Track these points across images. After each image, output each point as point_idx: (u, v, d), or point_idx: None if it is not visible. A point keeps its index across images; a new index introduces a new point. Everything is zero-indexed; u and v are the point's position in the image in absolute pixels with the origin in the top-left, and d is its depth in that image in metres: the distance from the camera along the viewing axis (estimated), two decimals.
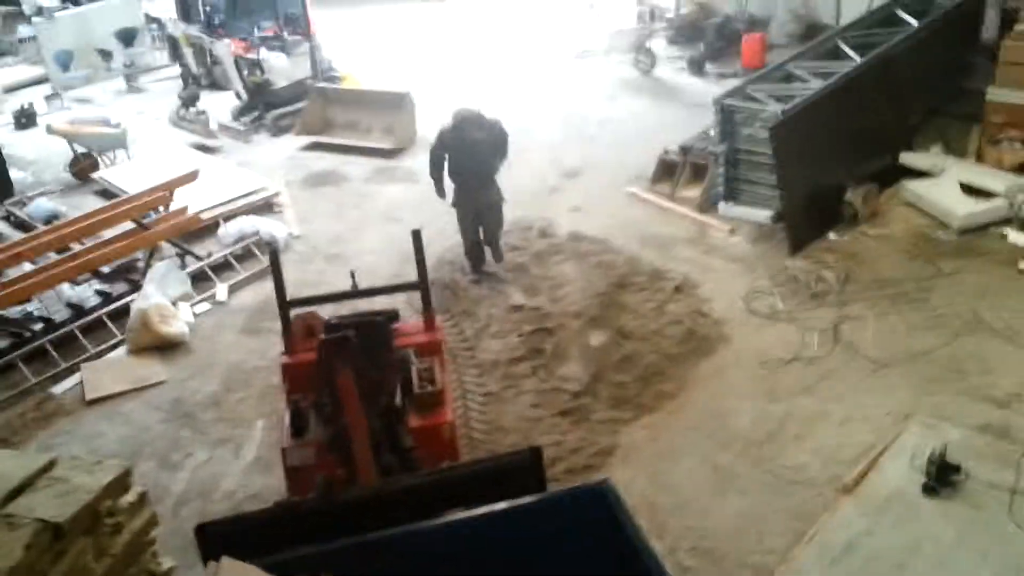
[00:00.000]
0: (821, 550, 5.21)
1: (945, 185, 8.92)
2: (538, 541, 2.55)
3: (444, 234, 8.47)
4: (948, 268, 7.97)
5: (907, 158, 9.43)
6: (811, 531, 5.37)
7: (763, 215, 9.08)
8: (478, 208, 8.41)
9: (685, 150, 9.96)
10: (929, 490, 5.48)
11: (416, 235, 5.97)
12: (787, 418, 6.42)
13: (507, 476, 2.83)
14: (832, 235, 8.70)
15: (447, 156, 8.31)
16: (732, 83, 10.52)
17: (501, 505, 2.48)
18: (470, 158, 8.15)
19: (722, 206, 9.45)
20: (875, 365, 6.84)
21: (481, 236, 8.54)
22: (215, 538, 2.61)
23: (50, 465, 4.60)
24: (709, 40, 14.32)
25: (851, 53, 9.67)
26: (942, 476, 5.49)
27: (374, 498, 2.78)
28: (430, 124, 12.17)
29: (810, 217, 8.78)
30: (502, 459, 2.94)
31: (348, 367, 4.38)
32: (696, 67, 14.00)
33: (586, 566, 2.66)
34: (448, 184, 8.48)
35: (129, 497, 4.75)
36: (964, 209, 8.55)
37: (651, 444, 6.36)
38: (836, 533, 5.32)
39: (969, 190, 8.78)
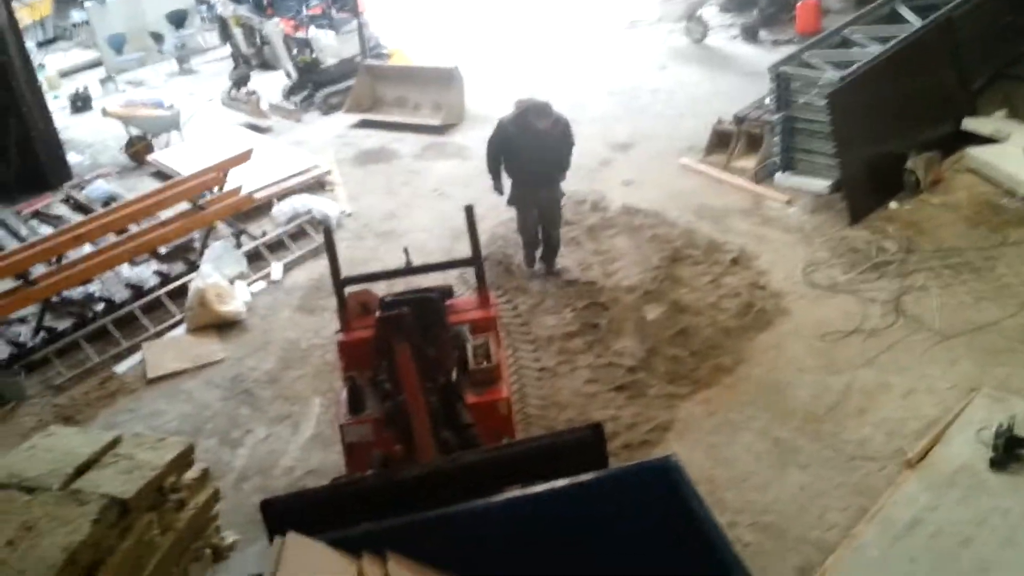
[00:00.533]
0: (884, 526, 5.12)
1: (1010, 151, 8.66)
2: (600, 518, 2.53)
3: (496, 210, 8.43)
4: (1014, 236, 7.74)
5: (970, 123, 9.17)
6: (874, 507, 5.28)
7: (821, 185, 8.90)
8: (540, 207, 7.90)
9: (739, 120, 9.79)
10: (996, 464, 5.36)
11: (469, 211, 5.94)
12: (848, 391, 6.30)
13: (568, 453, 2.80)
14: (893, 204, 8.49)
15: (508, 149, 7.70)
16: (787, 50, 10.30)
17: (563, 482, 2.46)
18: (534, 152, 7.53)
19: (778, 176, 9.27)
20: (939, 336, 6.68)
21: (541, 240, 8.09)
22: (280, 514, 2.62)
23: (115, 442, 4.72)
24: (762, 6, 13.99)
25: (910, 16, 9.41)
26: (1009, 450, 5.37)
27: (434, 475, 2.77)
28: (479, 100, 12.21)
29: (870, 186, 8.58)
30: (563, 435, 2.90)
31: (405, 343, 4.38)
32: (749, 34, 13.70)
33: (648, 543, 2.63)
34: (506, 180, 7.97)
35: (192, 473, 4.86)
36: None
37: (708, 419, 6.29)
38: (900, 509, 5.22)
39: None
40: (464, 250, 6.18)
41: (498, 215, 8.70)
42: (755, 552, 5.10)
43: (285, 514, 2.59)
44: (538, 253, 8.18)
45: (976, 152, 8.83)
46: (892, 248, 7.82)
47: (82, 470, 4.45)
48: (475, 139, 11.34)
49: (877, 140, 8.64)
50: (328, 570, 2.09)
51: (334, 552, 2.23)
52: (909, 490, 5.34)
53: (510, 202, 7.96)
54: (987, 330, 6.67)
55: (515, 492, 2.43)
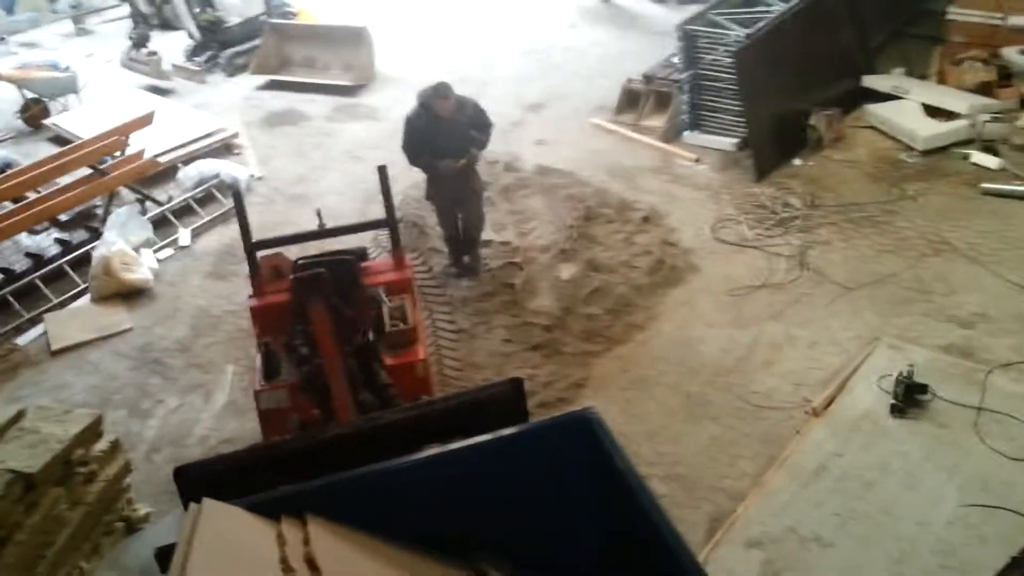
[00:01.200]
0: (792, 472, 5.30)
1: (908, 107, 8.96)
2: (521, 473, 2.55)
3: (410, 171, 8.34)
4: (912, 190, 8.03)
5: (869, 81, 9.45)
6: (783, 454, 5.46)
7: (728, 143, 9.06)
8: (455, 198, 7.40)
9: (648, 79, 9.88)
10: (897, 410, 5.58)
11: (382, 171, 5.87)
12: (756, 344, 6.48)
13: (488, 408, 2.82)
14: (797, 161, 8.71)
15: (421, 145, 7.07)
16: (694, 8, 10.38)
17: (483, 437, 2.47)
18: (446, 142, 6.99)
19: (687, 135, 9.40)
20: (842, 289, 6.90)
21: (460, 232, 7.57)
22: (194, 481, 2.58)
23: (19, 416, 4.57)
24: None
25: None
26: (909, 396, 5.59)
27: (353, 436, 2.76)
28: (389, 60, 12.06)
29: (775, 143, 8.78)
30: (482, 391, 2.91)
31: (321, 303, 4.34)
32: None
33: (570, 496, 2.67)
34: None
35: (101, 445, 4.74)
36: (927, 131, 8.59)
37: (622, 375, 6.40)
38: (807, 456, 5.41)
39: (932, 111, 8.82)
40: (378, 212, 6.11)
41: (411, 176, 8.60)
42: (669, 503, 5.22)
43: (199, 481, 2.56)
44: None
45: (875, 109, 9.10)
46: (796, 204, 8.03)
47: None
48: (386, 100, 11.24)
49: (781, 98, 8.84)
50: (246, 534, 2.07)
51: (252, 516, 2.20)
52: (815, 437, 5.53)
53: (427, 196, 7.54)
54: (887, 281, 6.92)
55: (436, 449, 2.43)
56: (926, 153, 8.48)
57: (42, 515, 4.15)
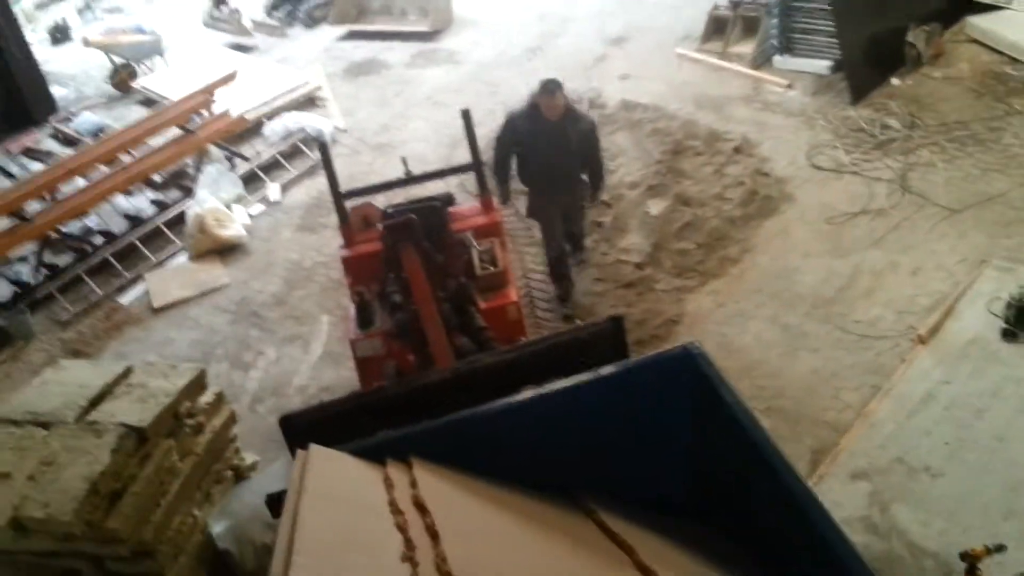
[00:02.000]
0: (898, 402, 5.15)
1: (1013, 16, 8.45)
2: (622, 411, 2.51)
3: (493, 115, 8.26)
4: (1020, 105, 7.62)
5: None
6: (887, 384, 5.31)
7: (821, 65, 8.72)
8: (566, 213, 6.52)
9: (735, 3, 9.53)
10: (1008, 334, 5.38)
11: (466, 115, 5.83)
12: (856, 273, 6.28)
13: (588, 348, 2.78)
14: (895, 80, 8.33)
15: (518, 149, 6.30)
16: None
17: (585, 376, 2.43)
18: (549, 151, 6.07)
19: (777, 60, 9.08)
20: (946, 212, 6.63)
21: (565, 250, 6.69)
22: (299, 428, 2.61)
23: (127, 372, 4.71)
24: None
25: None
26: (1021, 319, 5.37)
27: (452, 379, 2.75)
28: (467, 2, 11.89)
29: (871, 63, 8.40)
30: (582, 330, 2.87)
31: (413, 249, 4.34)
32: None
33: (669, 432, 2.62)
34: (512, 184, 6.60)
35: (206, 397, 4.86)
36: None
37: (718, 310, 6.28)
38: (913, 384, 5.25)
39: None
40: (463, 157, 6.08)
41: (495, 119, 8.50)
42: (771, 438, 5.13)
43: (304, 428, 2.59)
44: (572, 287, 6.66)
45: (977, 20, 8.62)
46: (896, 125, 7.69)
47: (96, 402, 4.45)
48: (465, 43, 11.13)
49: (876, 15, 8.42)
50: (354, 478, 2.08)
51: (358, 461, 2.22)
52: (922, 366, 5.36)
53: (529, 214, 6.65)
54: (994, 201, 6.61)
55: (537, 391, 2.40)
56: None
57: (155, 466, 4.28)
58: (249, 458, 5.32)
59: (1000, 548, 4.03)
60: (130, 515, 4.03)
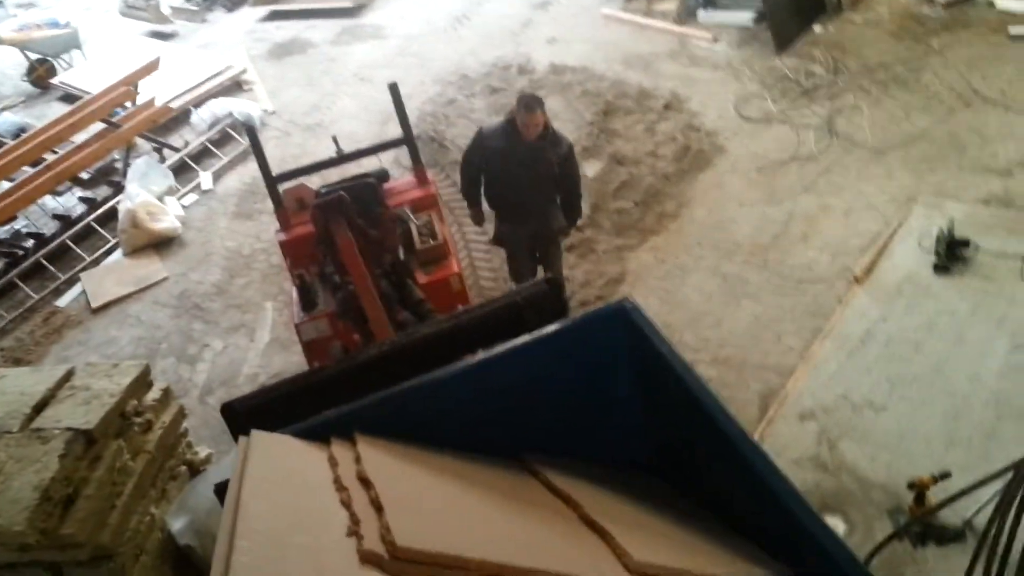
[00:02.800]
0: (839, 342, 5.27)
1: None
2: (564, 372, 2.53)
3: (423, 87, 8.24)
4: (938, 44, 7.77)
5: None
6: (827, 326, 5.42)
7: (745, 17, 8.80)
8: (536, 240, 5.89)
9: None
10: (940, 269, 5.51)
11: (394, 89, 5.77)
12: (790, 219, 6.39)
13: (526, 311, 2.79)
14: (817, 28, 8.45)
15: (487, 168, 5.69)
16: None
17: (522, 339, 2.45)
18: (516, 170, 5.51)
19: (701, 14, 9.14)
20: (873, 153, 6.76)
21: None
22: (242, 414, 2.60)
23: (69, 375, 4.62)
24: None
25: None
26: (951, 253, 5.51)
27: (392, 353, 2.75)
28: None
29: (793, 12, 8.51)
30: (517, 294, 2.87)
31: (345, 225, 4.31)
32: None
33: (615, 392, 2.65)
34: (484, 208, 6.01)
35: (153, 394, 4.79)
36: None
37: (659, 266, 6.35)
38: (852, 324, 5.37)
39: None
40: (395, 132, 6.04)
41: (425, 91, 8.51)
42: (718, 385, 5.23)
43: (247, 414, 2.57)
44: None
45: None
46: (820, 72, 7.82)
47: (39, 408, 4.36)
48: (391, 17, 11.02)
49: None
50: (297, 459, 2.08)
51: (301, 442, 2.21)
52: (859, 305, 5.48)
53: (495, 240, 6.11)
54: (919, 140, 6.76)
55: (476, 356, 2.41)
56: (949, 5, 8.17)
57: (106, 468, 4.21)
58: (203, 451, 5.27)
59: (945, 475, 4.17)
60: (85, 519, 3.97)
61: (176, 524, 4.45)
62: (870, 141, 6.85)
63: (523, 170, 5.47)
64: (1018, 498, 2.23)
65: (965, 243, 5.53)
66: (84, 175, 8.75)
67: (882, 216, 6.15)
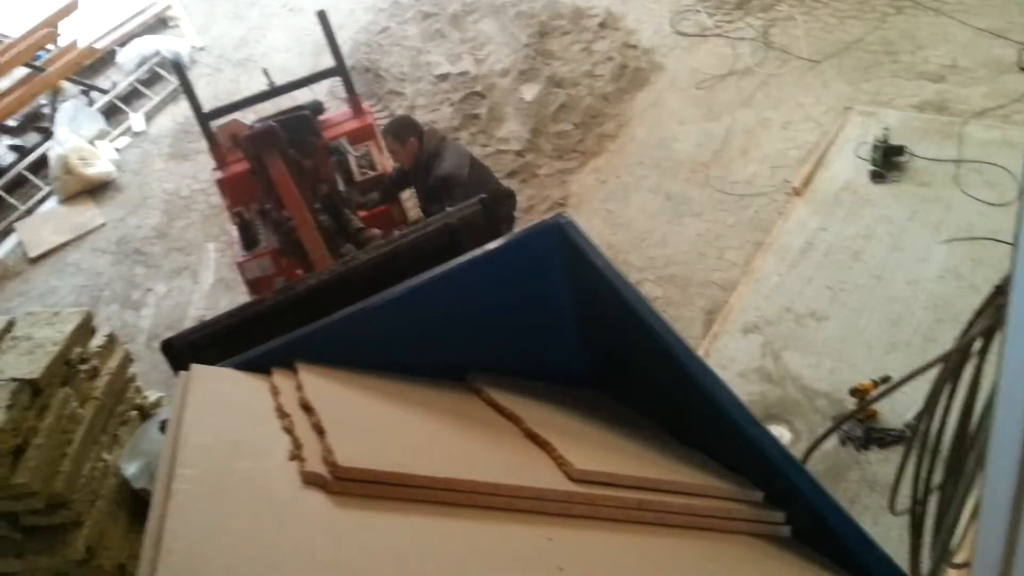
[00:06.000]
0: (780, 255, 5.34)
1: None
2: (502, 293, 2.54)
3: (354, 16, 8.05)
4: None
5: None
6: (768, 239, 5.49)
7: None
8: None
9: None
10: (876, 176, 5.57)
11: (322, 16, 5.64)
12: (730, 134, 6.41)
13: (461, 231, 2.79)
14: None
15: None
16: None
17: (456, 260, 2.45)
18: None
19: None
20: (809, 63, 6.77)
21: None
22: (182, 350, 2.58)
23: (9, 326, 4.55)
24: None
25: None
26: (887, 160, 5.57)
27: (331, 282, 2.74)
28: None
29: None
30: (451, 216, 2.87)
31: (277, 156, 4.25)
32: None
33: (557, 311, 2.67)
34: None
35: (98, 341, 4.74)
36: None
37: (601, 187, 6.36)
38: (792, 236, 5.43)
39: None
40: (328, 63, 5.92)
41: (356, 20, 8.31)
42: (664, 304, 5.30)
43: (188, 349, 2.56)
44: None
45: None
46: None
47: None
48: None
49: None
50: (238, 391, 2.08)
51: (242, 374, 2.21)
52: (798, 217, 5.55)
53: None
54: (853, 48, 6.77)
55: (412, 280, 2.41)
56: None
57: (55, 416, 4.18)
58: (152, 395, 5.25)
59: (886, 379, 4.29)
60: (37, 468, 3.95)
61: (130, 468, 4.44)
62: (805, 52, 6.86)
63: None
64: (945, 391, 2.30)
65: (900, 150, 5.59)
66: (11, 122, 8.47)
67: (819, 127, 6.19)
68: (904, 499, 2.58)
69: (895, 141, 5.59)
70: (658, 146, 6.50)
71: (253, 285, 5.20)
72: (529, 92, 7.26)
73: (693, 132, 6.51)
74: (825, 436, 2.74)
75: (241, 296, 5.99)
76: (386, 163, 5.57)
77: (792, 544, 2.03)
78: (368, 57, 8.15)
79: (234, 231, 5.34)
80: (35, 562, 4.13)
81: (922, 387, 2.39)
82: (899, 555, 2.10)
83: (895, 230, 5.26)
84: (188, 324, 6.24)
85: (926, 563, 2.49)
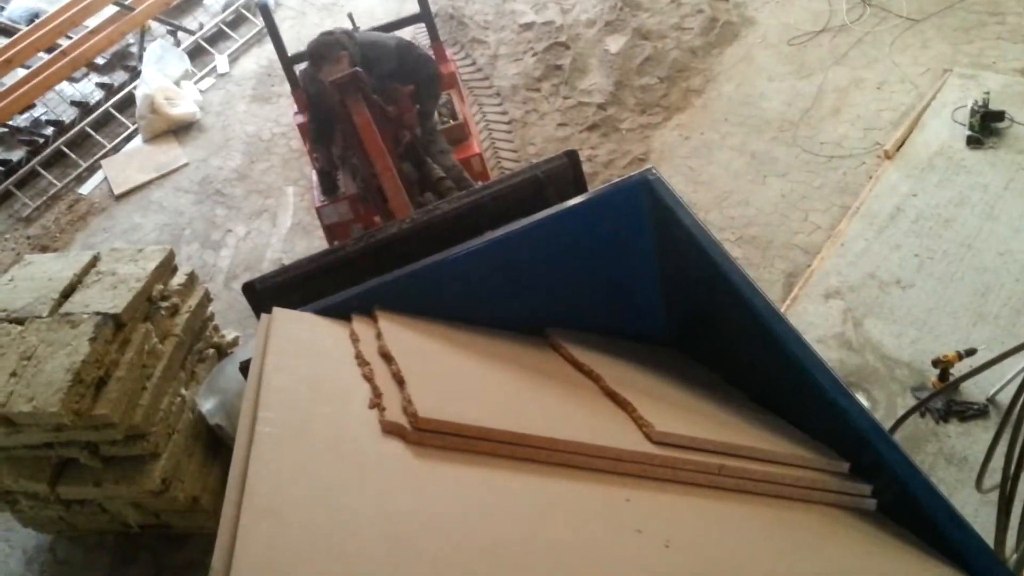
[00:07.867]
0: (867, 219, 5.17)
1: None
2: (586, 246, 2.50)
3: None
4: None
5: None
6: (856, 202, 5.32)
7: None
8: None
9: None
10: (973, 141, 5.35)
11: None
12: (821, 93, 6.20)
13: (546, 185, 2.74)
14: None
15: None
16: None
17: (542, 213, 2.40)
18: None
19: None
20: (908, 22, 6.49)
21: None
22: (263, 293, 2.59)
23: (94, 261, 4.66)
24: None
25: None
26: (986, 126, 5.35)
27: (412, 231, 2.72)
28: None
29: None
30: (536, 168, 2.81)
31: (361, 103, 4.22)
32: None
33: (640, 263, 2.61)
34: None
35: (178, 279, 4.83)
36: None
37: (684, 143, 6.22)
38: (881, 200, 5.26)
39: None
40: (413, 9, 5.87)
41: None
42: (744, 264, 5.15)
43: (269, 293, 2.57)
44: None
45: None
46: None
47: (67, 293, 4.42)
48: None
49: None
50: (319, 336, 2.08)
51: (323, 319, 2.21)
52: (889, 181, 5.36)
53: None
54: (956, 7, 6.47)
55: (496, 232, 2.38)
56: None
57: (135, 351, 4.28)
58: (230, 335, 5.34)
59: (971, 352, 4.14)
60: (117, 400, 4.06)
61: (206, 404, 4.54)
62: (905, 9, 6.57)
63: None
64: None
65: (1000, 116, 5.35)
66: (100, 60, 8.63)
67: (916, 88, 5.95)
68: (990, 477, 2.49)
69: (996, 106, 5.35)
70: (745, 103, 6.32)
71: (330, 230, 5.23)
72: (615, 44, 7.10)
73: (783, 90, 6.31)
74: (913, 411, 2.65)
75: (318, 241, 6.05)
76: (466, 112, 5.52)
77: (876, 517, 1.97)
78: (452, 4, 8.07)
79: (314, 176, 5.36)
80: (112, 491, 4.27)
81: (1010, 362, 2.28)
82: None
83: (989, 198, 5.05)
84: (266, 266, 6.33)
85: (1011, 542, 2.40)
